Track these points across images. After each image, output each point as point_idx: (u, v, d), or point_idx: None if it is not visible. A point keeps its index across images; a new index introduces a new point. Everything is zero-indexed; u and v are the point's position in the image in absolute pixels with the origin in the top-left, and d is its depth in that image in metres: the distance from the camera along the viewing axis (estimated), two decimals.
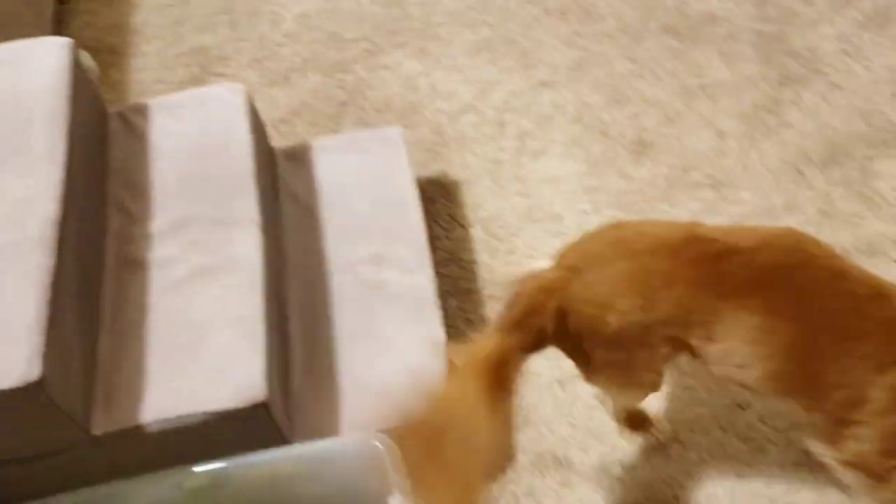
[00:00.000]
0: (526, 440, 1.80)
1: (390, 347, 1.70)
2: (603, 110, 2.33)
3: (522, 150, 2.28)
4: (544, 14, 2.58)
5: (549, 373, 1.87)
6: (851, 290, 1.36)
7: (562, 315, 1.43)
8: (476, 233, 2.14)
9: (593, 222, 2.10)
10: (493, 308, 1.98)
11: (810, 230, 2.00)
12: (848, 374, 1.35)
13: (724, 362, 1.43)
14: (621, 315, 1.39)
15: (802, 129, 2.21)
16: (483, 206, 2.18)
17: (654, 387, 1.60)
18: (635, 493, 1.72)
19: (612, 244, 1.45)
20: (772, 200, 2.09)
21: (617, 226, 1.53)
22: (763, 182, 2.13)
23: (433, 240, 2.03)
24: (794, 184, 2.11)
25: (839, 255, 1.43)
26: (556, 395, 1.85)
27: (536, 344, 1.46)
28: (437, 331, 1.71)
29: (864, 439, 1.40)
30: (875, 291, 1.36)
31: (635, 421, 1.77)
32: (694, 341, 1.42)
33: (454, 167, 2.27)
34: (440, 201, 2.20)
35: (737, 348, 1.39)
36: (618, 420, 1.77)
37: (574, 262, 1.45)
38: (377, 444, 1.52)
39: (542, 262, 1.51)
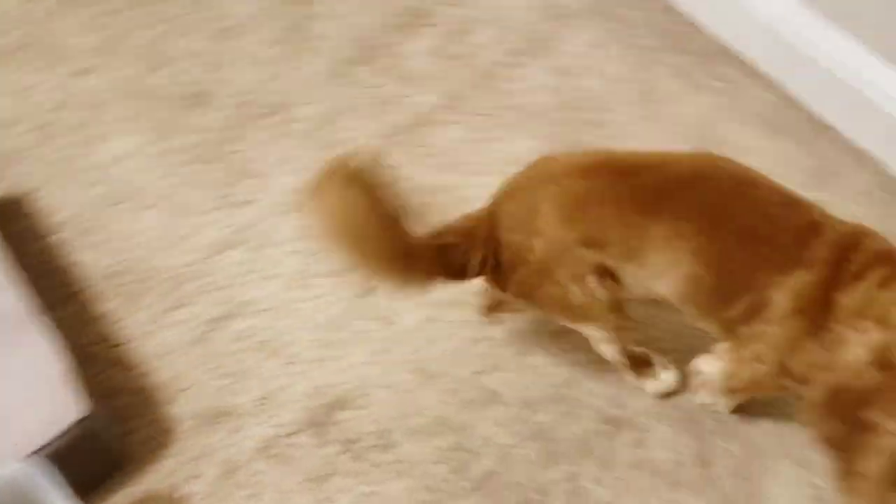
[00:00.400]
0: (181, 409, 1.80)
1: (1, 375, 1.61)
2: (149, 77, 2.32)
3: (83, 142, 2.21)
4: (57, 7, 2.49)
5: (178, 338, 1.88)
6: (762, 196, 1.38)
7: (492, 247, 1.48)
8: (65, 236, 2.06)
9: (172, 183, 2.12)
10: (106, 303, 1.94)
11: (365, 121, 2.18)
12: (753, 277, 1.38)
13: (639, 276, 1.46)
14: (544, 237, 1.43)
15: (333, 35, 2.36)
16: (62, 208, 2.10)
17: (615, 321, 1.56)
18: (301, 409, 1.80)
19: (533, 174, 1.48)
20: (330, 105, 2.22)
21: (543, 158, 1.53)
22: (316, 93, 2.25)
23: (21, 258, 1.92)
24: (343, 86, 2.26)
25: (751, 169, 1.44)
26: (196, 354, 1.86)
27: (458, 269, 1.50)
28: (43, 343, 1.65)
29: (766, 339, 1.44)
30: (786, 200, 1.39)
31: (639, 368, 1.75)
32: (611, 261, 1.45)
33: (19, 181, 2.15)
34: (14, 219, 2.08)
35: (649, 258, 1.42)
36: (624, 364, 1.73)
37: (499, 197, 1.49)
38: (17, 470, 1.46)
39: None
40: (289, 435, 1.76)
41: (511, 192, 1.50)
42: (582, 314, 1.55)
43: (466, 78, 2.25)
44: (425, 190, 2.04)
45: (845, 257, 1.32)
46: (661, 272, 1.44)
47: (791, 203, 1.38)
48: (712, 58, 2.23)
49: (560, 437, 1.75)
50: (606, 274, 1.48)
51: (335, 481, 1.71)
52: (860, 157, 2.05)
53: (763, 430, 1.74)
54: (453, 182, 2.07)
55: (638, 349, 1.74)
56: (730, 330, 1.48)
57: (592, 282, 1.48)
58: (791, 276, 1.33)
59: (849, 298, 1.30)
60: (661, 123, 2.13)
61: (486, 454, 1.73)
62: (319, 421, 1.78)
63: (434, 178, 2.08)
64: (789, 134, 2.10)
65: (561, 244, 1.44)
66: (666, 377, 1.79)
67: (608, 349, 1.71)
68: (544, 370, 1.83)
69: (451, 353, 1.85)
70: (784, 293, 1.34)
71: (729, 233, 1.37)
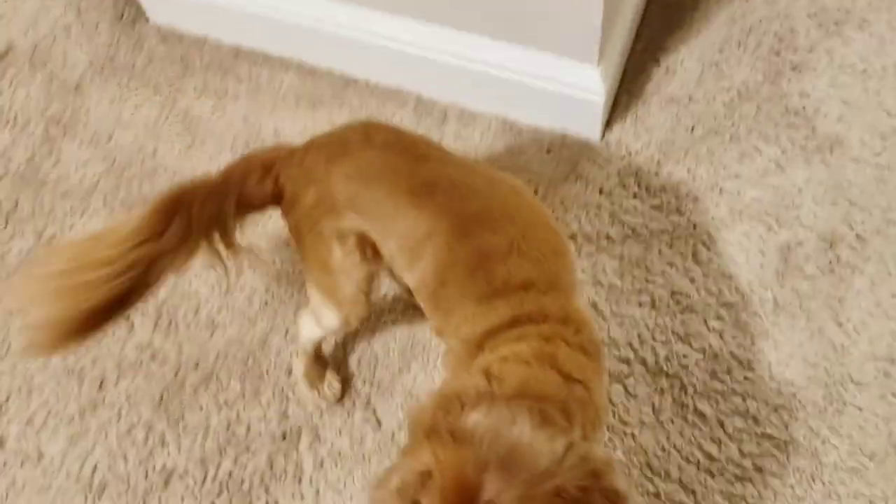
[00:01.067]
0: None
1: None
2: None
3: None
4: None
5: None
6: (505, 234, 1.37)
7: (279, 183, 1.50)
8: None
9: None
10: None
11: None
12: (459, 301, 1.38)
13: (394, 260, 1.46)
14: (318, 185, 1.44)
15: None
16: None
17: (355, 306, 1.56)
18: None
19: (343, 134, 1.50)
20: None
21: (363, 122, 1.56)
22: None
23: None
24: None
25: (530, 203, 1.48)
26: None
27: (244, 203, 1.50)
28: None
29: (448, 359, 1.44)
30: (516, 250, 1.37)
31: (314, 373, 1.80)
32: (374, 236, 1.45)
33: None
34: None
35: (405, 244, 1.42)
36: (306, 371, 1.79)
37: (317, 138, 1.53)
38: None
39: None
40: None
41: (326, 138, 1.53)
42: (334, 280, 1.53)
43: (7, 189, 2.13)
44: None
45: (531, 320, 1.33)
46: (409, 262, 1.44)
47: (520, 256, 1.37)
48: (226, 63, 2.26)
49: (248, 476, 1.77)
50: (369, 245, 1.48)
51: None
52: (395, 97, 2.18)
53: (414, 374, 1.85)
54: None
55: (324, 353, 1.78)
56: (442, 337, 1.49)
57: (353, 245, 1.48)
58: (479, 312, 1.35)
59: (488, 349, 1.33)
60: (210, 144, 2.15)
61: None
62: None
63: None
64: (325, 100, 2.19)
65: (330, 199, 1.45)
66: (335, 387, 1.84)
67: (310, 337, 1.71)
68: (202, 422, 1.83)
69: (106, 457, 1.80)
70: (472, 326, 1.36)
71: (464, 250, 1.38)
